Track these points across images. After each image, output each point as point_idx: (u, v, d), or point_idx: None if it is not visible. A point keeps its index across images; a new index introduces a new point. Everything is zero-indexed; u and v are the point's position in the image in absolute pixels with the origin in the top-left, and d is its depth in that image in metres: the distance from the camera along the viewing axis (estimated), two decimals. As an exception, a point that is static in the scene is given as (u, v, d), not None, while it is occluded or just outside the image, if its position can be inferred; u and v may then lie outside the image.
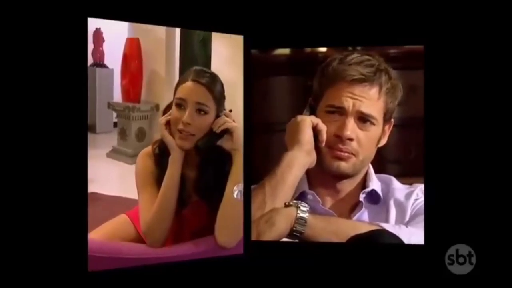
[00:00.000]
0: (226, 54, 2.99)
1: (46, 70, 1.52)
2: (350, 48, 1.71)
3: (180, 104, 1.61)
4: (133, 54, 4.06)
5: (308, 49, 1.87)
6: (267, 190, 1.53)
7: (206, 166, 1.66)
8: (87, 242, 1.55)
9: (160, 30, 3.69)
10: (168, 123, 1.64)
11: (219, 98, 1.64)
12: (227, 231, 1.62)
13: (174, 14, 1.72)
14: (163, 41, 3.70)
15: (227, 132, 1.62)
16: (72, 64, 1.56)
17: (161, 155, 1.67)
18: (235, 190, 1.61)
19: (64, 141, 1.54)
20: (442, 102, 1.72)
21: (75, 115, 1.55)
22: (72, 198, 1.54)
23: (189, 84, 1.62)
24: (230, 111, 1.67)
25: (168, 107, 1.67)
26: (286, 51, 1.90)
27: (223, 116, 1.63)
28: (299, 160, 1.56)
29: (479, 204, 1.70)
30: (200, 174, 1.67)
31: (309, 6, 1.79)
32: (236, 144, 1.63)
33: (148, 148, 1.73)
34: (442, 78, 1.72)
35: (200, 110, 1.61)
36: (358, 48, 1.72)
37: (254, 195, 1.55)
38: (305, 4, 1.79)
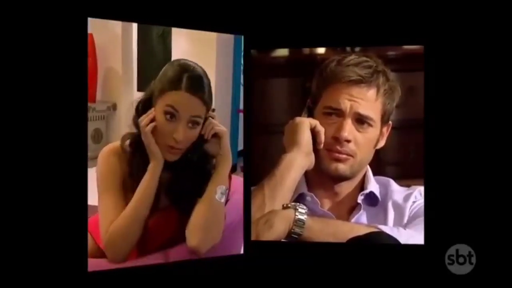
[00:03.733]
0: (188, 49, 2.96)
1: (44, 71, 1.52)
2: (349, 48, 1.71)
3: (171, 114, 1.46)
4: (86, 51, 3.88)
5: (307, 51, 1.87)
6: (266, 192, 1.53)
7: (183, 169, 1.54)
8: (87, 241, 1.56)
9: (115, 25, 3.57)
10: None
11: (209, 103, 1.52)
12: (202, 234, 1.48)
13: (174, 14, 1.72)
14: (119, 37, 3.60)
15: (215, 136, 1.53)
16: (71, 65, 1.56)
17: (133, 153, 1.53)
18: (217, 191, 1.51)
19: (62, 143, 1.54)
20: (442, 103, 1.71)
21: (74, 117, 1.55)
22: (71, 197, 1.54)
23: (183, 95, 1.45)
24: (213, 110, 1.54)
25: (146, 105, 1.52)
26: (284, 52, 1.90)
27: (210, 119, 1.52)
28: (297, 161, 1.55)
29: (479, 204, 1.69)
30: (175, 177, 1.55)
31: (308, 6, 1.78)
32: (223, 149, 1.53)
33: (112, 145, 1.55)
34: (442, 79, 1.71)
35: (193, 123, 1.48)
36: (358, 48, 1.72)
37: (254, 197, 1.55)
38: (305, 4, 1.78)
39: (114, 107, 3.83)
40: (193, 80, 1.47)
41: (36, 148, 1.50)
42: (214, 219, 1.51)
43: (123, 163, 1.53)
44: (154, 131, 1.47)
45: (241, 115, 2.30)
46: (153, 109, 1.49)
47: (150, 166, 1.49)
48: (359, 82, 1.55)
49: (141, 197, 1.48)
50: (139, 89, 3.59)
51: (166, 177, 1.53)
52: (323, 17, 1.79)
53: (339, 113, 1.56)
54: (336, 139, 1.56)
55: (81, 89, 1.56)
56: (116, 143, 1.56)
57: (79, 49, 1.56)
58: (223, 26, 1.80)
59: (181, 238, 1.50)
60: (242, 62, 2.92)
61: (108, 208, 1.49)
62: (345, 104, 1.55)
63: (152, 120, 1.47)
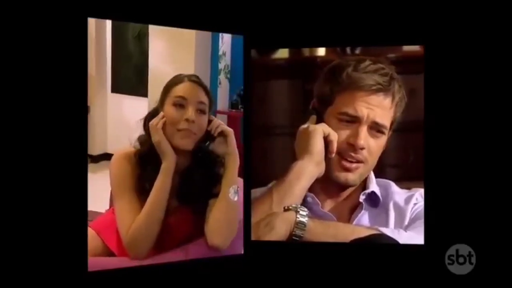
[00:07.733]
0: (165, 51, 2.96)
1: (43, 72, 1.52)
2: (349, 48, 1.71)
3: (180, 104, 1.58)
4: (59, 52, 3.82)
5: (307, 52, 1.86)
6: (274, 198, 1.52)
7: (194, 170, 1.63)
8: (87, 241, 1.57)
9: (88, 26, 3.53)
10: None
11: (211, 96, 1.64)
12: (223, 233, 1.57)
13: (173, 14, 1.71)
14: (92, 38, 3.56)
15: (221, 135, 1.61)
16: (71, 66, 1.56)
17: (144, 158, 1.61)
18: (230, 191, 1.58)
19: (61, 144, 1.54)
20: (442, 106, 1.71)
21: (73, 119, 1.56)
22: (71, 197, 1.54)
23: (188, 84, 1.60)
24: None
25: (155, 112, 1.62)
26: (284, 54, 1.88)
27: (215, 118, 1.63)
28: (308, 170, 1.55)
29: (478, 204, 1.70)
30: (187, 179, 1.62)
31: (308, 6, 1.77)
32: (230, 148, 1.61)
33: (123, 150, 1.65)
34: (442, 81, 1.71)
35: (200, 110, 1.59)
36: (358, 48, 1.71)
37: (261, 202, 1.54)
38: (305, 4, 1.77)
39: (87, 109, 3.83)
40: (193, 76, 1.64)
41: (34, 149, 1.51)
42: (231, 217, 1.60)
43: (135, 167, 1.61)
44: (165, 128, 1.57)
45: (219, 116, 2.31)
46: (162, 113, 1.59)
47: (163, 167, 1.57)
48: (379, 90, 1.54)
49: (156, 198, 1.56)
50: (113, 91, 3.60)
51: (178, 179, 1.61)
52: (323, 17, 1.78)
53: (355, 120, 1.55)
54: (351, 146, 1.55)
55: (81, 90, 1.57)
56: (126, 149, 1.65)
57: (79, 50, 1.57)
58: (223, 26, 1.80)
59: (196, 235, 1.60)
60: (218, 64, 2.93)
61: (124, 211, 1.56)
62: (363, 112, 1.53)
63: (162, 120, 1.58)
